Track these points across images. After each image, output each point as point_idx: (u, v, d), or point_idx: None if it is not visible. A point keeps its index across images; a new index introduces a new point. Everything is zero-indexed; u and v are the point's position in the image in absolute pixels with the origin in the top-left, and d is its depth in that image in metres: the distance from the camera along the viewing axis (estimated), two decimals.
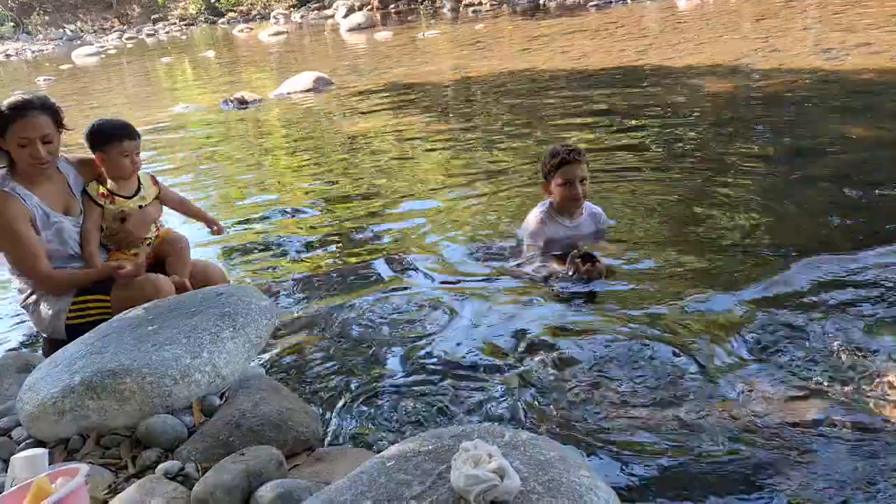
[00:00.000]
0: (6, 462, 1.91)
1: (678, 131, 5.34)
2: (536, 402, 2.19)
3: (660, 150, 4.92)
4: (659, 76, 7.72)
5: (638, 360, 2.38)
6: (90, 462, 1.84)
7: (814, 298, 2.61)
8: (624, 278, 2.97)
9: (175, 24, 29.81)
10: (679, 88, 6.98)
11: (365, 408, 2.27)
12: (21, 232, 2.62)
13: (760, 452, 1.87)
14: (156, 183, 3.05)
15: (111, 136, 2.81)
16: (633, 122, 5.80)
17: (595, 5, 17.30)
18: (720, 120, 5.58)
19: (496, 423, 1.96)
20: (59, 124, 2.70)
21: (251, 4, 30.99)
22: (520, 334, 2.62)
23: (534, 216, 3.30)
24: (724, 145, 4.81)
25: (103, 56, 20.68)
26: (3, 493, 1.56)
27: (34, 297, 2.81)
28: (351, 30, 19.34)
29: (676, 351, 2.39)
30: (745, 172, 4.16)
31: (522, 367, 2.39)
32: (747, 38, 9.56)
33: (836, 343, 2.29)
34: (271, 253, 3.87)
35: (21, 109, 2.59)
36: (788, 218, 3.42)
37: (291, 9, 28.65)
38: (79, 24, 30.70)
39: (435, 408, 2.22)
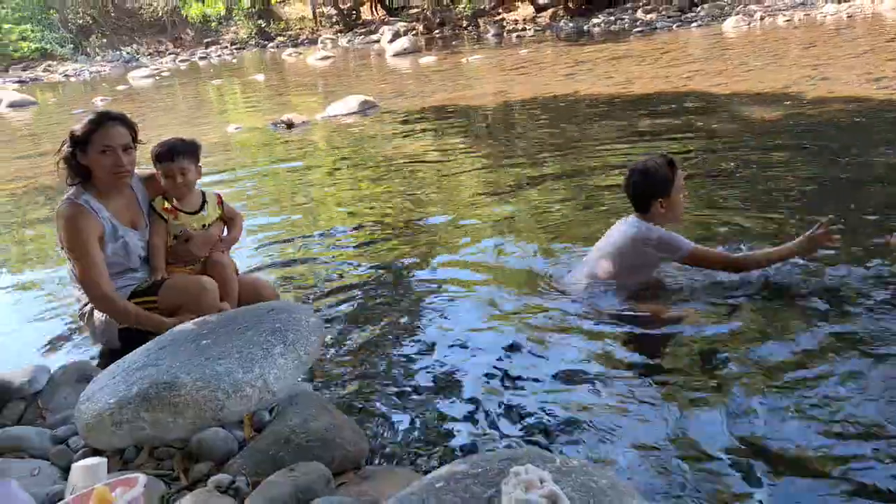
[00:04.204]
0: (64, 469, 1.97)
1: (723, 158, 5.28)
2: (587, 429, 2.17)
3: (704, 177, 4.86)
4: (705, 102, 7.66)
5: (684, 387, 2.34)
6: (144, 472, 1.89)
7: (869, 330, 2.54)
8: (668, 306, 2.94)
9: (227, 47, 30.65)
10: (725, 115, 6.91)
11: (411, 427, 2.28)
12: (91, 250, 2.73)
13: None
14: (221, 203, 3.12)
15: (155, 157, 2.95)
16: (677, 147, 5.75)
17: (640, 31, 17.29)
18: (766, 147, 5.50)
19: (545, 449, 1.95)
20: (135, 139, 2.85)
21: (300, 30, 31.76)
22: (572, 360, 2.60)
23: (667, 233, 2.88)
24: (770, 173, 4.73)
25: (157, 78, 21.35)
26: (64, 500, 1.60)
27: (89, 306, 2.90)
28: (396, 54, 19.62)
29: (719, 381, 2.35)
30: (792, 202, 4.08)
31: (573, 394, 2.38)
32: (796, 65, 9.44)
33: None
34: (315, 271, 3.93)
35: (104, 121, 2.78)
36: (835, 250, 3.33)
37: (339, 34, 29.27)
38: (135, 46, 31.81)
39: (484, 431, 2.22)
